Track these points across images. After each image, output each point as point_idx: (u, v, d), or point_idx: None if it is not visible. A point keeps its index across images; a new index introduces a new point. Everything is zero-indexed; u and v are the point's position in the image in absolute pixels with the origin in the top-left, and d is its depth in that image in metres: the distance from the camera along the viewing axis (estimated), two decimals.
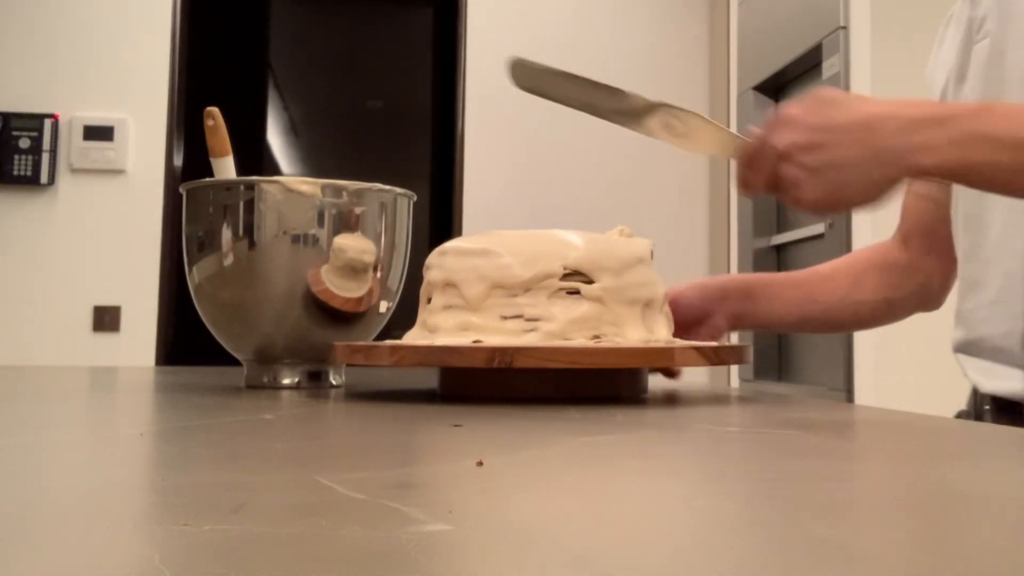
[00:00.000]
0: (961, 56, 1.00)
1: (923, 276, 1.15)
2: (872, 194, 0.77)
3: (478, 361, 0.71)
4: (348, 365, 0.93)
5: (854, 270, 1.15)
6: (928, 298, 1.17)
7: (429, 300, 0.82)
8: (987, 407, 0.97)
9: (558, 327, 0.75)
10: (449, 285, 0.79)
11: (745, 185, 0.82)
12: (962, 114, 0.78)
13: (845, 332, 2.35)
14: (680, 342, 0.81)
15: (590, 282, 0.77)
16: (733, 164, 0.82)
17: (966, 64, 0.99)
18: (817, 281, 1.13)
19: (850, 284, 1.12)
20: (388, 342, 0.82)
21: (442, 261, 0.81)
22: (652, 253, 0.83)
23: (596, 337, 0.76)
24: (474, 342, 0.74)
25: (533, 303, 0.76)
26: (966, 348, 1.00)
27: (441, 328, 0.78)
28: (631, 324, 0.78)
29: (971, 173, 0.78)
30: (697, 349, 0.76)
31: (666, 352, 0.75)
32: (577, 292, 0.76)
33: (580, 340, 0.75)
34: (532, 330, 0.75)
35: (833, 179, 0.77)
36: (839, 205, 0.78)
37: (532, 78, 0.84)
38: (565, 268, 0.77)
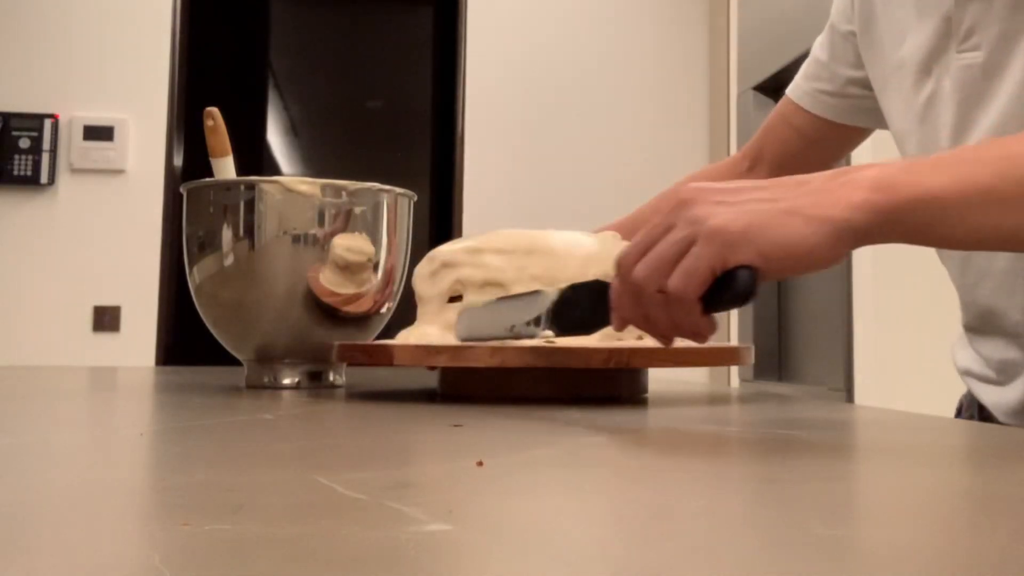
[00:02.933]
0: (931, 48, 0.85)
1: None
2: (814, 239, 0.54)
3: (596, 362, 0.70)
4: (434, 369, 0.85)
5: None
6: None
7: (452, 299, 0.80)
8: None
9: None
10: (491, 284, 0.77)
11: (639, 324, 0.62)
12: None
13: None
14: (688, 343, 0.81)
15: None
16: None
17: (936, 61, 0.85)
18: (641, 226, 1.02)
19: None
20: (386, 341, 0.82)
21: (479, 259, 0.79)
22: None
23: (639, 337, 0.77)
24: (548, 341, 0.73)
25: None
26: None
27: None
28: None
29: (954, 202, 0.57)
30: (726, 350, 0.81)
31: (732, 351, 0.82)
32: None
33: (630, 339, 0.76)
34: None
35: (744, 208, 0.56)
36: (757, 232, 0.55)
37: (472, 327, 0.76)
38: (605, 276, 0.77)
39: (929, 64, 0.87)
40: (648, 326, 0.61)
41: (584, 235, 0.81)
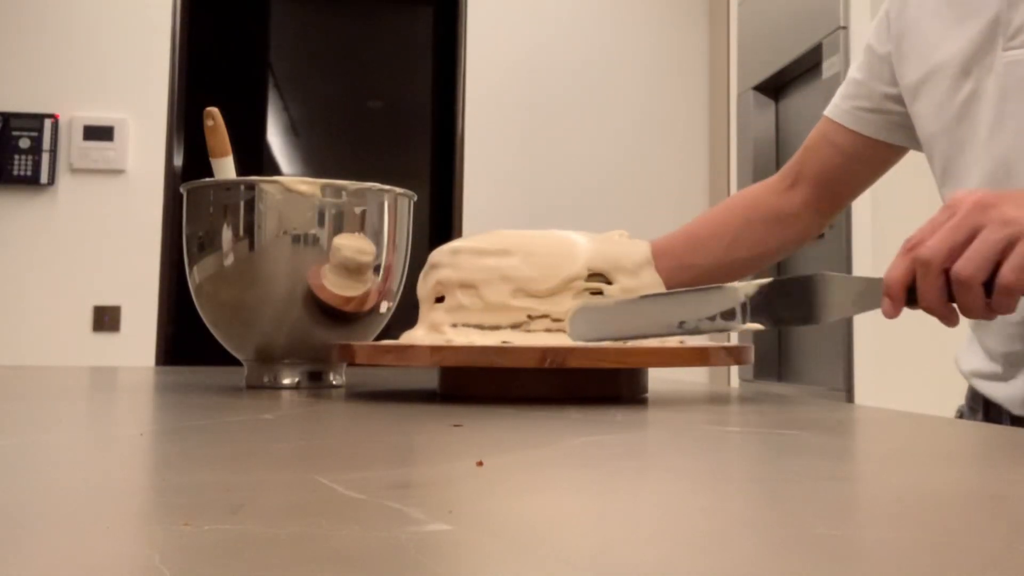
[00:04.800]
0: (974, 50, 0.90)
1: (802, 226, 1.12)
2: None
3: (530, 362, 0.71)
4: (375, 366, 0.91)
5: (732, 227, 1.10)
6: (797, 247, 1.15)
7: (438, 299, 0.82)
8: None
9: None
10: (466, 285, 0.79)
11: (935, 307, 0.68)
12: None
13: None
14: (692, 341, 0.81)
15: (609, 283, 0.78)
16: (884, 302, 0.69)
17: (978, 62, 0.89)
18: (692, 245, 1.08)
19: (728, 244, 1.09)
20: (390, 342, 0.82)
21: (456, 260, 0.80)
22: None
23: (681, 341, 0.78)
24: (503, 342, 0.74)
25: (559, 304, 0.77)
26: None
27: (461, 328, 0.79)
28: None
29: None
30: (726, 349, 0.78)
31: (702, 352, 0.76)
32: (600, 293, 0.77)
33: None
34: (560, 330, 0.76)
35: None
36: None
37: (599, 324, 0.75)
38: (590, 269, 0.77)
39: (969, 65, 0.90)
40: (949, 312, 0.68)
41: (579, 234, 0.81)
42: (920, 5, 0.98)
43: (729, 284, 0.72)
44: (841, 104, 1.09)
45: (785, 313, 0.70)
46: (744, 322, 0.71)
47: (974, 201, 0.66)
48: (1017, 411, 0.91)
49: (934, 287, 0.66)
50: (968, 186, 0.90)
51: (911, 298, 0.68)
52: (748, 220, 1.10)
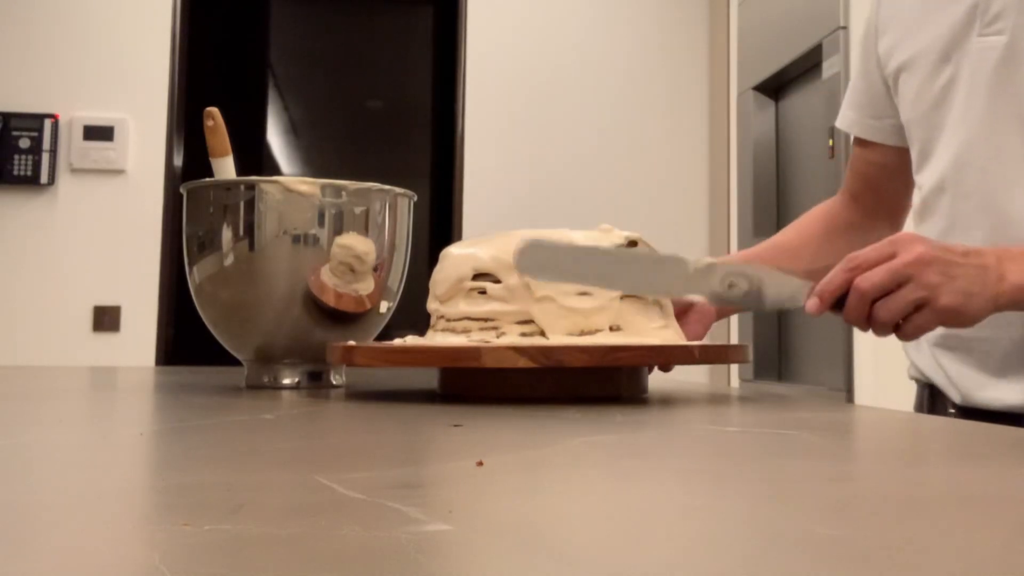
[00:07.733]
0: (953, 35, 0.93)
1: (875, 235, 1.14)
2: (981, 309, 0.78)
3: (336, 358, 0.80)
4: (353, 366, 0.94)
5: (815, 239, 1.17)
6: None
7: None
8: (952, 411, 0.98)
9: (464, 326, 0.79)
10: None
11: (855, 322, 0.78)
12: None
13: None
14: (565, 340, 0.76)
15: (498, 282, 0.78)
16: (812, 304, 0.77)
17: (957, 47, 0.93)
18: (783, 257, 1.13)
19: (813, 253, 1.14)
20: (388, 343, 0.82)
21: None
22: (631, 246, 0.81)
23: (503, 334, 0.77)
24: (403, 342, 0.81)
25: (452, 304, 0.80)
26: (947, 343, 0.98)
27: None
28: (560, 319, 0.76)
29: None
30: (517, 349, 0.71)
31: (473, 351, 0.72)
32: (484, 292, 0.79)
33: (476, 336, 0.77)
34: (448, 330, 0.79)
35: (959, 288, 0.76)
36: (968, 313, 0.77)
37: (546, 262, 0.73)
38: (475, 270, 0.79)
39: (949, 51, 0.94)
40: (864, 326, 0.78)
41: (512, 235, 0.81)
42: None
43: (683, 256, 0.75)
44: (853, 116, 1.13)
45: (724, 294, 0.74)
46: (685, 293, 0.75)
47: (917, 256, 0.76)
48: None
49: (861, 312, 0.77)
50: (939, 169, 0.96)
51: (835, 305, 0.77)
52: (828, 231, 1.16)
